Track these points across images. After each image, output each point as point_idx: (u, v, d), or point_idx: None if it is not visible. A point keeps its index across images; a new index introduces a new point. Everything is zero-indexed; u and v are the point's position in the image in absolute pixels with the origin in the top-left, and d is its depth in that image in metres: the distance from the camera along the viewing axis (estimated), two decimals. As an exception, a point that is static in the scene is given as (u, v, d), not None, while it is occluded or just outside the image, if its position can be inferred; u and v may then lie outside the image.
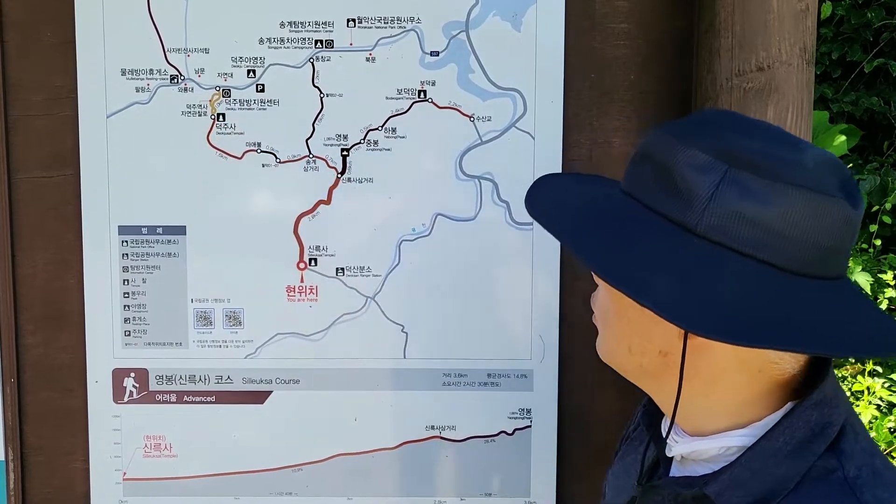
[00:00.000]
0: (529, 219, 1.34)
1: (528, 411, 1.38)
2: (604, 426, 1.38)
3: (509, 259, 1.35)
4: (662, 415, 0.89)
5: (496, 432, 1.38)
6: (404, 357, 1.37)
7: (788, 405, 0.77)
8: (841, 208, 0.72)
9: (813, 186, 0.71)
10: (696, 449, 0.81)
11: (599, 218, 0.81)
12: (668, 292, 0.70)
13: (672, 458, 0.87)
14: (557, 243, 1.34)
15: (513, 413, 1.38)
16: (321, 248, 1.36)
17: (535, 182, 0.93)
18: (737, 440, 0.78)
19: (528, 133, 1.33)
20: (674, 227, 0.74)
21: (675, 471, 0.86)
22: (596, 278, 0.87)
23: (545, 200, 0.88)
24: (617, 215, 0.79)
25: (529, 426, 1.38)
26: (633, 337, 0.83)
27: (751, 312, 0.69)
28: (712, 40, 1.21)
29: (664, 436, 0.86)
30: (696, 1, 1.28)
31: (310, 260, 1.36)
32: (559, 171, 1.34)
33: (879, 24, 3.65)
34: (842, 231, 0.72)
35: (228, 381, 1.38)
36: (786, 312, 0.70)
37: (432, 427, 1.39)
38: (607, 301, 0.85)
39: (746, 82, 1.18)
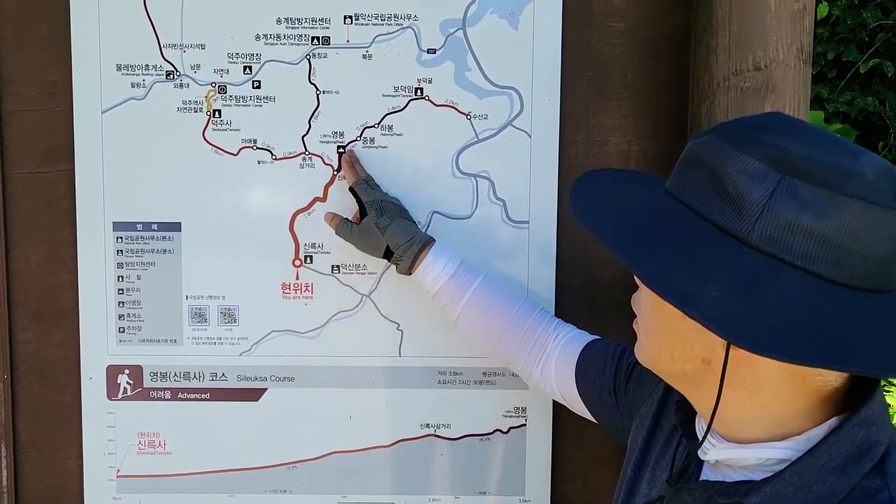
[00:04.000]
0: (526, 217, 1.34)
1: (523, 410, 1.38)
2: (599, 425, 1.38)
3: (505, 257, 1.35)
4: (696, 412, 0.88)
5: (491, 431, 1.38)
6: (399, 355, 1.37)
7: (833, 420, 0.76)
8: None
9: (871, 198, 0.69)
10: (734, 456, 0.80)
11: (647, 223, 0.79)
12: (718, 306, 0.69)
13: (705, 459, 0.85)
14: (553, 242, 1.34)
15: (508, 411, 1.38)
16: (317, 245, 1.35)
17: (577, 181, 0.90)
18: (778, 452, 0.77)
19: (525, 131, 1.33)
20: (725, 236, 0.72)
21: (708, 474, 0.85)
22: (638, 281, 0.84)
23: (589, 201, 0.86)
24: (665, 221, 0.77)
25: (524, 425, 1.38)
26: (675, 345, 0.81)
27: (804, 329, 0.68)
28: (709, 39, 1.21)
29: (700, 439, 0.84)
30: (693, 0, 1.28)
31: (305, 257, 1.35)
32: (555, 170, 1.34)
33: (875, 24, 3.65)
34: None
35: (223, 378, 1.37)
36: (840, 329, 0.68)
37: (427, 425, 1.38)
38: (650, 307, 0.84)
39: (743, 81, 1.18)
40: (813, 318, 0.68)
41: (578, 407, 1.18)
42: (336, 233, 1.30)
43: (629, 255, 0.75)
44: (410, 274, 1.25)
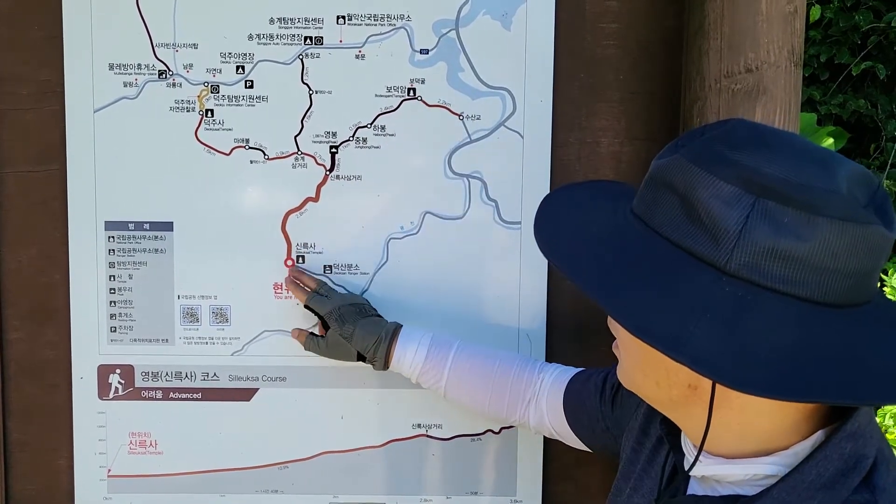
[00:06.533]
0: (518, 218, 1.34)
1: (515, 410, 1.38)
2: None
3: (497, 258, 1.35)
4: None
5: (483, 431, 1.38)
6: (391, 355, 1.37)
7: (819, 434, 0.75)
8: (878, 234, 0.68)
9: (849, 216, 0.67)
10: (721, 472, 0.79)
11: (618, 257, 0.75)
12: (704, 345, 0.66)
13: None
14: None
15: (499, 412, 1.38)
16: (309, 245, 1.35)
17: (540, 207, 0.87)
18: (766, 468, 0.76)
19: (517, 132, 1.33)
20: (702, 265, 0.70)
21: (695, 487, 0.84)
22: None
23: (555, 232, 0.82)
24: (638, 253, 0.74)
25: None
26: (660, 372, 0.79)
27: (793, 362, 0.66)
28: (701, 41, 1.21)
29: (687, 455, 0.83)
30: (686, 2, 1.28)
31: (297, 257, 1.35)
32: (548, 171, 1.34)
33: (867, 27, 3.67)
34: (878, 256, 0.70)
35: (215, 378, 1.37)
36: (828, 357, 0.67)
37: (419, 425, 1.38)
38: (630, 335, 0.80)
39: (735, 83, 1.18)
40: (800, 348, 0.67)
41: (572, 439, 1.19)
42: (305, 349, 1.30)
43: (604, 297, 0.72)
44: (387, 369, 1.26)
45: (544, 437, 1.37)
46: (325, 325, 1.27)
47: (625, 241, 0.77)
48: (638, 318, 0.70)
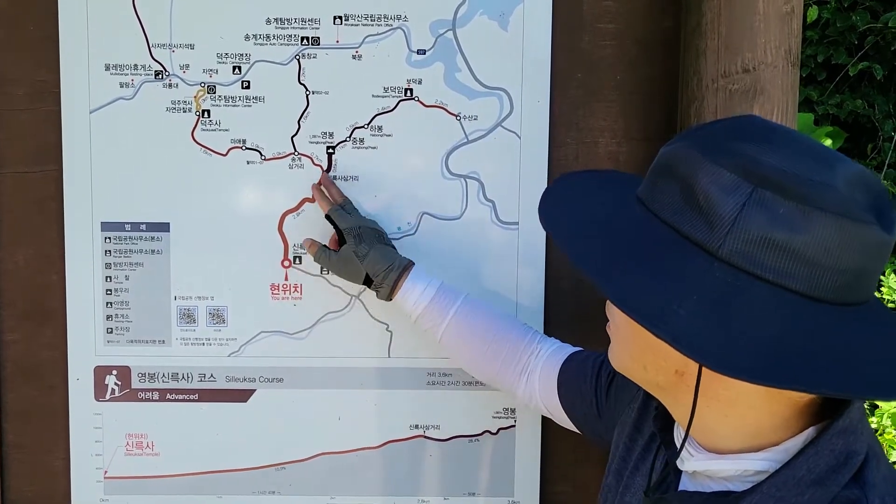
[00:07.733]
0: (515, 218, 1.34)
1: (513, 411, 1.38)
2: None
3: (494, 258, 1.35)
4: (674, 420, 0.87)
5: (480, 432, 1.38)
6: (389, 356, 1.37)
7: (810, 431, 0.75)
8: (874, 234, 0.68)
9: (844, 212, 0.67)
10: (712, 468, 0.79)
11: (615, 236, 0.77)
12: (687, 325, 0.67)
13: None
14: (542, 244, 1.34)
15: (497, 413, 1.38)
16: (306, 246, 1.35)
17: (546, 189, 0.88)
18: (757, 464, 0.76)
19: (515, 133, 1.33)
20: (695, 249, 0.71)
21: (686, 483, 0.85)
22: None
23: (558, 210, 0.84)
24: (634, 233, 0.76)
25: (513, 426, 1.38)
26: (648, 355, 0.80)
27: (776, 349, 0.66)
28: (698, 41, 1.21)
29: (678, 447, 0.84)
30: (683, 2, 1.28)
31: (294, 258, 1.35)
32: (545, 171, 1.34)
33: (864, 27, 3.67)
34: (873, 257, 0.69)
35: (212, 379, 1.37)
36: (812, 349, 0.67)
37: (416, 426, 1.38)
38: (623, 317, 0.82)
39: (732, 83, 1.18)
40: (785, 337, 0.67)
41: (563, 419, 1.19)
42: (315, 260, 1.29)
43: (594, 271, 0.73)
44: (391, 300, 1.24)
45: (541, 437, 1.37)
46: (340, 242, 1.26)
47: (623, 223, 0.78)
48: (625, 293, 0.70)
